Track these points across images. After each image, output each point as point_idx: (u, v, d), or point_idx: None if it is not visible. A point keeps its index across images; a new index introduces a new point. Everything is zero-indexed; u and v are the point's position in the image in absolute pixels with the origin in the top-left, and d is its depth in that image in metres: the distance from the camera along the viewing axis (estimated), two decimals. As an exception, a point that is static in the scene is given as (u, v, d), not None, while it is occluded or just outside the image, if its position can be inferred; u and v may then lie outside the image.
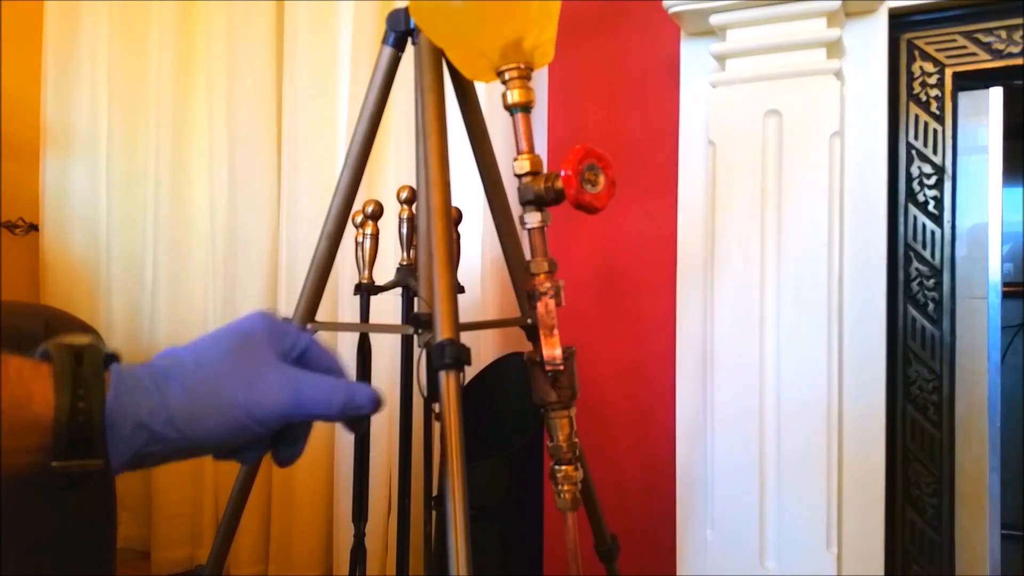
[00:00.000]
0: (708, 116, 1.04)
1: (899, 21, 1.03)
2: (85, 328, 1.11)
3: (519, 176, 0.74)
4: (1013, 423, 1.31)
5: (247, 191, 1.66)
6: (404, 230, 1.09)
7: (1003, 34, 0.99)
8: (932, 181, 1.02)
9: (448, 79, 0.84)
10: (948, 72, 1.01)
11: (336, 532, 1.56)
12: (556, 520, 1.24)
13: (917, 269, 1.02)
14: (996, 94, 1.02)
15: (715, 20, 1.02)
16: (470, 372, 1.38)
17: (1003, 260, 1.05)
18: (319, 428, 1.65)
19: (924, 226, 1.02)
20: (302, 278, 0.89)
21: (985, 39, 1.00)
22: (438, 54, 0.82)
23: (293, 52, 1.61)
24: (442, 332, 0.71)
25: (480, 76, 0.82)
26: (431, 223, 0.75)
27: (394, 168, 1.53)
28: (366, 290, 1.11)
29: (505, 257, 0.95)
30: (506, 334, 1.49)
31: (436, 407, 0.72)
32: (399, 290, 1.09)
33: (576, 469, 0.76)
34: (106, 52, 1.84)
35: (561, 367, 0.73)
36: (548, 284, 0.73)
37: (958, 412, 1.03)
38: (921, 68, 1.02)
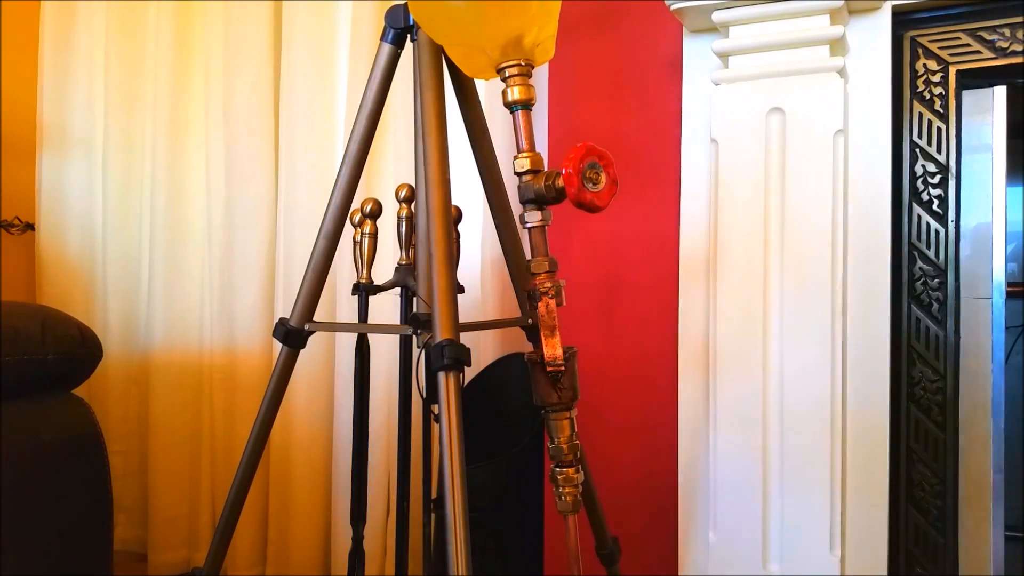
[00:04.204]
0: (711, 114, 1.03)
1: (902, 19, 1.02)
2: (81, 328, 1.10)
3: (519, 174, 0.74)
4: (1017, 424, 1.30)
5: (244, 190, 1.65)
6: (403, 229, 1.08)
7: (1007, 32, 0.99)
8: (936, 180, 1.01)
9: (448, 76, 0.83)
10: (952, 70, 1.01)
11: (334, 534, 1.56)
12: (557, 522, 1.23)
13: (921, 269, 1.02)
14: (1000, 92, 1.01)
15: (718, 17, 1.01)
16: (470, 373, 1.37)
17: (1007, 260, 1.04)
18: (316, 428, 1.65)
19: (928, 225, 1.01)
20: (299, 278, 0.88)
21: (989, 37, 0.99)
22: (438, 51, 0.81)
23: (290, 50, 1.60)
24: (441, 332, 0.70)
25: (480, 73, 0.82)
26: (431, 222, 0.74)
27: (393, 166, 1.52)
28: (364, 290, 1.11)
29: (505, 257, 0.94)
30: (506, 334, 1.48)
31: (435, 408, 0.71)
32: (398, 290, 1.09)
33: (577, 471, 0.75)
34: (103, 51, 1.83)
35: (562, 367, 0.72)
36: (549, 284, 0.72)
37: (962, 413, 1.02)
38: (925, 66, 1.02)
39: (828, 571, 0.96)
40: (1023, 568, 1.16)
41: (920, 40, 1.02)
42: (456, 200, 0.90)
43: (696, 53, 1.12)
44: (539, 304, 0.72)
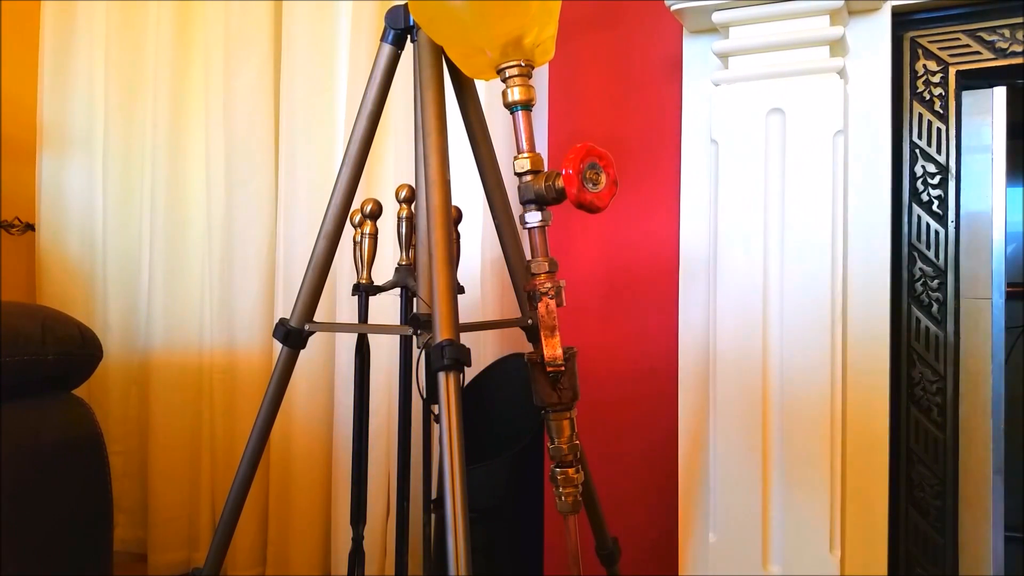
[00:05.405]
0: (711, 114, 1.03)
1: (902, 19, 1.02)
2: (81, 328, 1.10)
3: (519, 175, 0.74)
4: (1017, 425, 1.30)
5: (244, 190, 1.65)
6: (403, 229, 1.08)
7: (1006, 32, 0.99)
8: (936, 180, 1.01)
9: (448, 77, 0.84)
10: (952, 71, 1.01)
11: (334, 534, 1.56)
12: (557, 523, 1.23)
13: (921, 269, 1.02)
14: (1000, 93, 1.01)
15: (717, 18, 1.01)
16: (470, 373, 1.38)
17: (1007, 260, 1.04)
18: (316, 428, 1.65)
19: (928, 226, 1.01)
20: (300, 278, 0.88)
21: (988, 38, 0.99)
22: (438, 52, 0.81)
23: (290, 50, 1.60)
24: (442, 333, 0.71)
25: (480, 74, 0.82)
26: (431, 222, 0.74)
27: (393, 167, 1.52)
28: (364, 290, 1.11)
29: (505, 257, 0.94)
30: (506, 335, 1.48)
31: (435, 409, 0.71)
32: (398, 290, 1.09)
33: (577, 471, 0.75)
34: (103, 51, 1.83)
35: (562, 368, 0.72)
36: (549, 284, 0.72)
37: (962, 413, 1.02)
38: (925, 67, 1.02)
39: (828, 572, 0.96)
40: (1023, 569, 1.16)
41: (920, 41, 1.02)
42: (456, 200, 0.90)
43: (696, 53, 1.12)
44: (539, 304, 0.72)
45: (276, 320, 0.92)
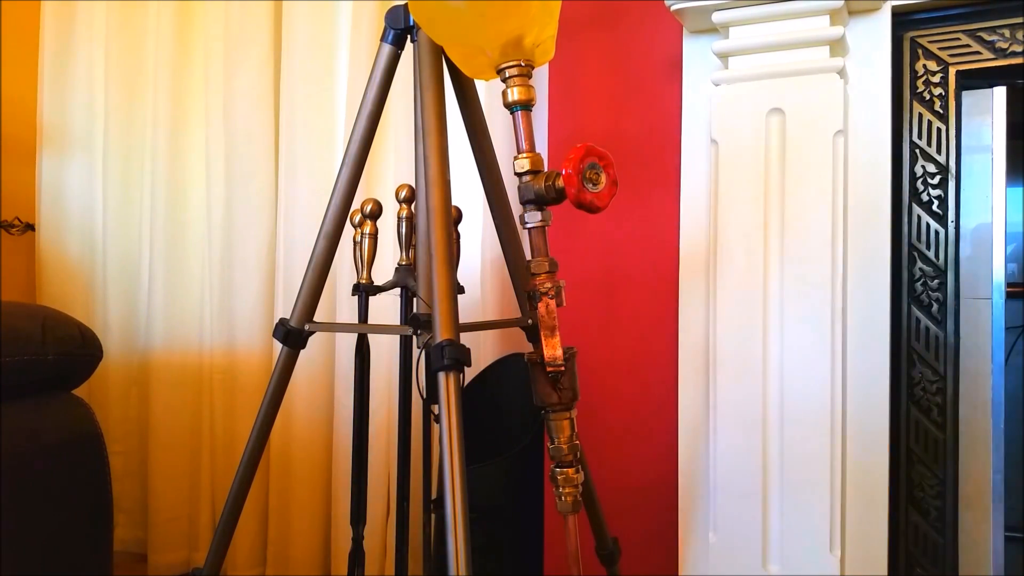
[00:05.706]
0: (711, 114, 1.03)
1: (902, 19, 1.02)
2: (81, 328, 1.10)
3: (519, 175, 0.74)
4: (1017, 424, 1.30)
5: (244, 190, 1.65)
6: (403, 230, 1.08)
7: (1006, 32, 0.99)
8: (936, 180, 1.01)
9: (448, 77, 0.84)
10: (952, 71, 1.01)
11: (334, 534, 1.56)
12: (557, 523, 1.23)
13: (921, 269, 1.02)
14: (1000, 93, 1.01)
15: (717, 18, 1.01)
16: (470, 373, 1.38)
17: (1007, 260, 1.04)
18: (316, 428, 1.65)
19: (928, 226, 1.01)
20: (300, 278, 0.88)
21: (988, 38, 0.99)
22: (438, 52, 0.81)
23: (290, 50, 1.60)
24: (441, 333, 0.71)
25: (480, 74, 0.82)
26: (431, 222, 0.74)
27: (393, 167, 1.52)
28: (364, 290, 1.11)
29: (505, 257, 0.94)
30: (506, 335, 1.48)
31: (435, 409, 0.71)
32: (398, 290, 1.09)
33: (577, 471, 0.75)
34: (103, 51, 1.83)
35: (562, 368, 0.72)
36: (549, 284, 0.72)
37: (962, 413, 1.02)
38: (925, 67, 1.02)
39: (828, 572, 0.96)
40: (1023, 569, 1.16)
41: (920, 41, 1.02)
42: (456, 200, 0.90)
43: (696, 53, 1.12)
44: (539, 304, 0.72)
45: (276, 320, 0.92)
